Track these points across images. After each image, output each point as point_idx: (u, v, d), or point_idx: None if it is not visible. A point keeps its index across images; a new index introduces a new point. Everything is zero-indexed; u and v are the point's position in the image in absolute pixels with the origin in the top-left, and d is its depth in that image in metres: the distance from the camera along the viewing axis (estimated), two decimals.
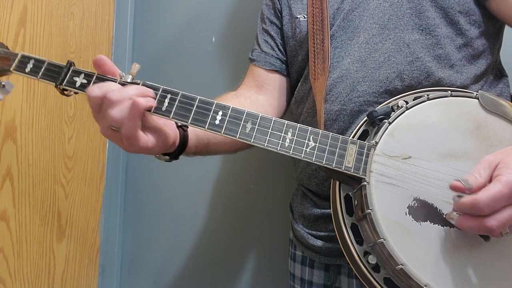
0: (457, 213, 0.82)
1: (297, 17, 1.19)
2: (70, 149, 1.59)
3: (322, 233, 1.14)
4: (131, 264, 1.83)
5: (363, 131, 0.98)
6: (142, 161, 1.81)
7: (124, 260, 1.83)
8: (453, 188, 0.81)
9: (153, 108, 0.90)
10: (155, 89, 0.92)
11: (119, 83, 0.92)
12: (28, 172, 1.42)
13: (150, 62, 1.81)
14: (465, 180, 0.80)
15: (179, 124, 1.00)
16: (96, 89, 0.88)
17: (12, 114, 1.35)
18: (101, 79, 0.93)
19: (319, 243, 1.14)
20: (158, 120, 0.94)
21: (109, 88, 0.88)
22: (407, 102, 0.96)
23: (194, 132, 1.04)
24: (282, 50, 1.27)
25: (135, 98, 0.86)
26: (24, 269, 1.42)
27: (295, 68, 1.23)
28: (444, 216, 0.87)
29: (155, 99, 0.91)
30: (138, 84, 0.92)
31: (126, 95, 0.87)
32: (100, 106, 0.88)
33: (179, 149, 1.01)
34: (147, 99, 0.88)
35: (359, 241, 0.91)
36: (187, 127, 1.02)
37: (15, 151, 1.37)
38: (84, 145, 1.65)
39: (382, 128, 0.93)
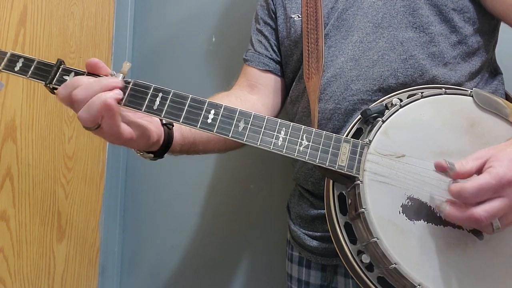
0: (446, 205, 0.81)
1: (291, 17, 1.19)
2: (70, 149, 1.60)
3: (318, 234, 1.14)
4: (131, 264, 1.83)
5: (357, 129, 0.97)
6: (142, 161, 1.77)
7: (124, 260, 1.83)
8: (437, 165, 0.82)
9: (144, 107, 0.90)
10: (147, 88, 0.91)
11: None
12: (28, 172, 1.43)
13: (150, 62, 1.81)
14: (451, 162, 0.81)
15: (164, 122, 1.00)
16: (62, 91, 0.88)
17: (12, 114, 1.36)
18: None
19: (315, 243, 1.14)
20: (142, 118, 0.94)
21: (74, 86, 0.87)
22: (401, 100, 0.95)
23: (179, 131, 1.03)
24: (276, 51, 1.27)
25: (104, 97, 0.84)
26: (24, 269, 1.43)
27: (290, 68, 1.23)
28: (437, 215, 0.87)
29: (121, 89, 0.89)
30: (129, 83, 0.91)
31: (91, 91, 0.85)
32: (73, 105, 0.88)
33: (164, 147, 1.01)
34: (114, 92, 0.87)
35: (353, 240, 0.91)
36: (172, 126, 1.02)
37: (15, 151, 1.38)
38: (84, 145, 1.66)
39: (376, 126, 0.92)
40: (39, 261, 1.48)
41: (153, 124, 0.96)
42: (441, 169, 0.82)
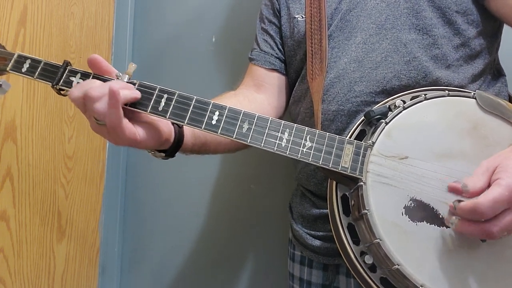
0: (456, 218, 0.81)
1: (295, 17, 1.19)
2: (70, 149, 1.60)
3: (321, 233, 1.14)
4: (131, 264, 1.83)
5: (360, 131, 0.98)
6: (142, 161, 1.81)
7: (124, 260, 1.83)
8: (451, 189, 0.83)
9: (150, 108, 0.91)
10: (152, 89, 0.92)
11: None
12: (28, 172, 1.42)
13: (150, 62, 1.81)
14: (464, 182, 0.81)
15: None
16: (75, 91, 0.89)
17: (12, 114, 1.35)
18: (97, 79, 0.93)
19: (317, 243, 1.14)
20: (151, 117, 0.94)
21: (89, 86, 0.88)
22: (404, 102, 0.96)
23: (191, 130, 1.03)
24: (282, 50, 1.27)
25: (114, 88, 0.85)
26: (24, 269, 1.43)
27: (294, 68, 1.23)
28: (440, 216, 0.87)
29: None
30: (135, 84, 0.92)
31: (107, 90, 0.86)
32: (84, 105, 0.88)
33: (175, 146, 1.01)
34: (134, 92, 0.89)
35: (356, 241, 0.91)
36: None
37: (15, 151, 1.37)
38: (84, 145, 1.65)
39: (379, 128, 0.93)
40: (39, 261, 1.48)
41: (163, 123, 0.96)
42: (455, 191, 0.82)
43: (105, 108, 0.86)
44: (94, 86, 0.87)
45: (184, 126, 1.01)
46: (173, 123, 0.99)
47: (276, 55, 1.27)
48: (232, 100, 1.17)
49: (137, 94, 0.90)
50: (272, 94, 1.27)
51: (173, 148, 1.01)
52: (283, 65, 1.27)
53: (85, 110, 0.89)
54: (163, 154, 1.01)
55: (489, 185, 0.80)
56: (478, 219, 0.78)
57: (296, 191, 1.27)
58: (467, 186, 0.80)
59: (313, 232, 1.16)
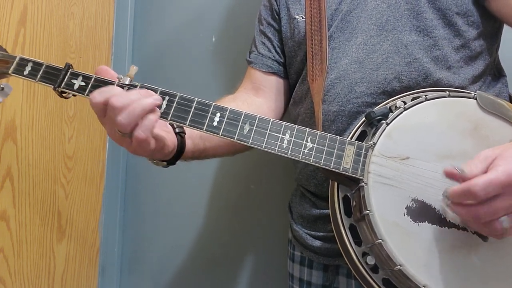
0: (449, 200, 0.81)
1: (295, 18, 1.19)
2: (70, 149, 1.60)
3: (321, 234, 1.14)
4: (131, 264, 1.83)
5: (361, 132, 0.98)
6: (142, 161, 1.78)
7: (124, 260, 1.83)
8: (447, 173, 0.82)
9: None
10: (153, 91, 0.92)
11: (117, 85, 0.91)
12: (28, 172, 1.42)
13: (150, 63, 1.81)
14: (461, 168, 0.80)
15: (177, 130, 1.01)
16: (97, 96, 0.87)
17: (12, 114, 1.35)
18: (99, 81, 0.92)
19: (317, 243, 1.14)
20: (160, 130, 0.94)
21: (111, 93, 0.86)
22: (405, 103, 0.96)
23: (190, 138, 1.04)
24: (280, 52, 1.27)
25: (146, 102, 0.86)
26: (24, 269, 1.43)
27: (294, 69, 1.23)
28: (442, 216, 0.87)
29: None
30: (136, 86, 0.92)
31: (130, 100, 0.85)
32: (104, 111, 0.87)
33: (176, 155, 1.02)
34: (155, 98, 0.88)
35: (358, 242, 0.92)
36: (185, 134, 1.03)
37: (15, 151, 1.38)
38: (84, 145, 1.65)
39: (380, 129, 0.93)
40: (39, 261, 1.48)
41: (170, 134, 0.97)
42: (451, 176, 0.81)
43: (129, 120, 0.85)
44: (116, 94, 0.86)
45: (185, 136, 1.02)
46: (176, 134, 1.00)
47: (273, 58, 1.27)
48: (230, 104, 1.15)
49: (159, 101, 0.90)
50: (271, 97, 1.27)
51: (175, 157, 1.02)
52: (281, 67, 1.27)
53: (104, 116, 0.88)
54: (165, 163, 1.02)
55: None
56: (470, 200, 0.78)
57: (296, 192, 1.27)
58: (464, 170, 0.80)
59: (313, 233, 1.16)
